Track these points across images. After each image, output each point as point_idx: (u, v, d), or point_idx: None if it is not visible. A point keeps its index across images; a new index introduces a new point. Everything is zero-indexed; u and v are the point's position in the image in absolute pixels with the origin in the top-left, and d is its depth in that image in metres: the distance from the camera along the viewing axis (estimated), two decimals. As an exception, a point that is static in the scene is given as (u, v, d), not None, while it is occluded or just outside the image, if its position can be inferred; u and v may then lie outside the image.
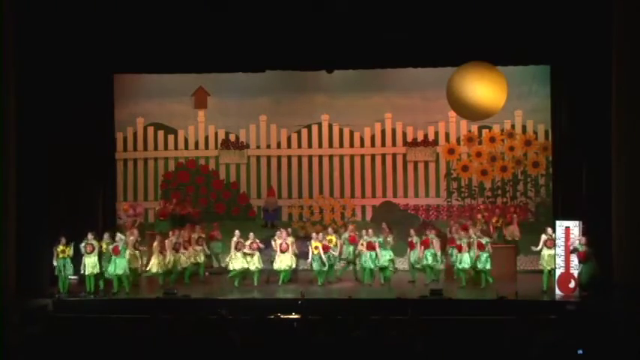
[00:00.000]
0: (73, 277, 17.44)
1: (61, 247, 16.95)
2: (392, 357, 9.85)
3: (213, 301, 15.98)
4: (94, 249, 17.17)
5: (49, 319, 13.26)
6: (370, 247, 17.74)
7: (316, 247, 17.80)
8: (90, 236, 17.32)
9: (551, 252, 16.82)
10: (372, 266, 17.75)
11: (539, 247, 17.11)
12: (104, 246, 17.34)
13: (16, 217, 16.13)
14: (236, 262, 17.90)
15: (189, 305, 15.54)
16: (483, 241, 17.39)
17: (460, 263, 17.48)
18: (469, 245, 17.46)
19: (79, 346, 10.18)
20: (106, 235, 17.59)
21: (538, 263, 17.44)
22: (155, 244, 18.02)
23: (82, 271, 17.16)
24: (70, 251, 17.02)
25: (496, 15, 16.95)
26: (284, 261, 17.90)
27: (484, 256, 17.29)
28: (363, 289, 17.61)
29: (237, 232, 18.24)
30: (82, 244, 17.19)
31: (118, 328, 11.02)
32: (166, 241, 18.09)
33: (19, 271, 16.05)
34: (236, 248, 17.91)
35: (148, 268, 18.04)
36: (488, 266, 17.31)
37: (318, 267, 17.88)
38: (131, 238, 17.95)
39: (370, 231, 18.11)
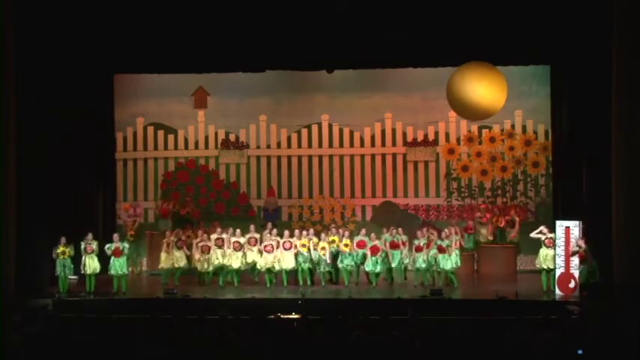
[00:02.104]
0: (73, 277, 17.43)
1: (61, 249, 16.93)
2: (392, 357, 9.85)
3: (213, 301, 15.97)
4: (93, 249, 17.17)
5: (49, 319, 13.22)
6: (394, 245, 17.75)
7: (323, 248, 17.71)
8: (90, 236, 17.31)
9: (550, 251, 16.80)
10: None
11: (536, 234, 17.06)
12: (82, 246, 17.16)
13: (17, 217, 16.11)
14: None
15: (190, 305, 15.52)
16: (444, 244, 17.31)
17: (414, 263, 17.60)
18: (427, 246, 17.47)
19: (79, 346, 10.18)
20: (90, 236, 17.39)
21: (535, 263, 17.33)
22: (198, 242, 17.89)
23: (82, 271, 17.17)
24: (70, 252, 17.01)
25: (496, 15, 16.97)
26: (288, 260, 17.79)
27: (439, 257, 17.23)
28: (363, 289, 17.58)
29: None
30: (82, 245, 17.16)
31: (118, 328, 11.02)
32: (212, 236, 17.91)
33: (19, 271, 16.05)
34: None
35: (202, 268, 17.81)
36: (446, 267, 17.24)
37: (325, 268, 17.79)
38: (172, 238, 17.92)
39: (394, 230, 18.00)
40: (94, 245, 17.20)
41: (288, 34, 17.53)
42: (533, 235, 17.17)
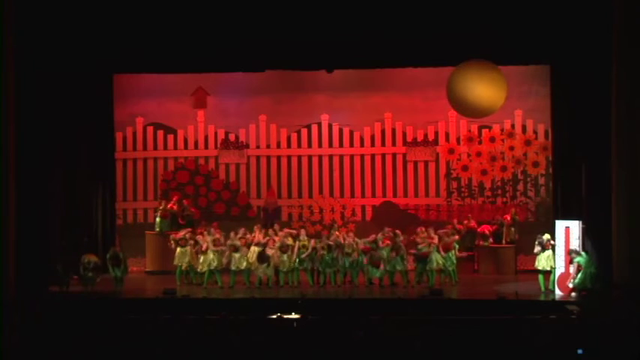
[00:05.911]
0: (73, 277, 17.43)
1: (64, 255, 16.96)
2: (392, 357, 9.86)
3: (213, 301, 15.97)
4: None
5: (49, 319, 13.23)
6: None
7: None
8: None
9: (548, 253, 16.74)
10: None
11: (536, 250, 17.00)
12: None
13: (16, 217, 16.13)
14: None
15: (190, 305, 15.52)
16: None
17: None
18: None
19: (79, 346, 10.19)
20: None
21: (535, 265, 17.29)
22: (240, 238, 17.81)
23: (80, 272, 17.13)
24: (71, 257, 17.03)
25: (496, 15, 16.98)
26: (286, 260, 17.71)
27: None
28: (363, 289, 17.56)
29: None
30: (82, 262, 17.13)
31: (119, 328, 11.02)
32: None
33: (19, 270, 16.05)
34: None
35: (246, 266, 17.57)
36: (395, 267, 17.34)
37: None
38: (209, 238, 17.78)
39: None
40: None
41: (288, 34, 17.53)
42: (535, 251, 17.03)
